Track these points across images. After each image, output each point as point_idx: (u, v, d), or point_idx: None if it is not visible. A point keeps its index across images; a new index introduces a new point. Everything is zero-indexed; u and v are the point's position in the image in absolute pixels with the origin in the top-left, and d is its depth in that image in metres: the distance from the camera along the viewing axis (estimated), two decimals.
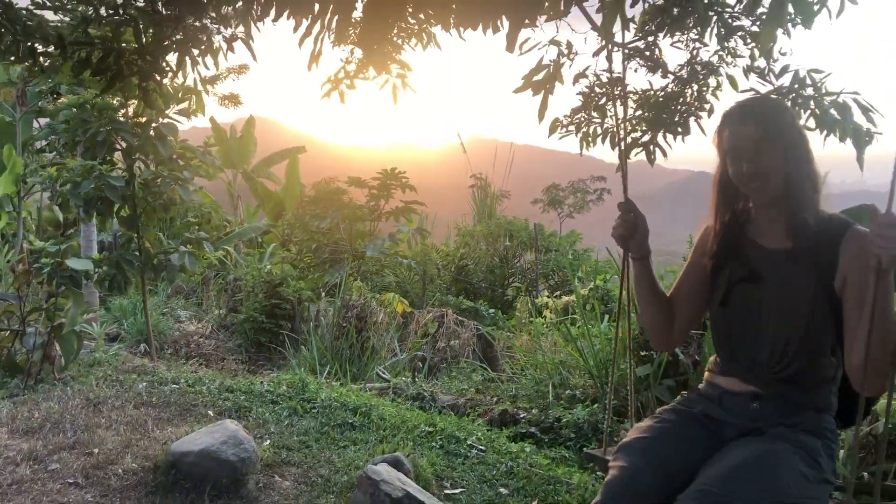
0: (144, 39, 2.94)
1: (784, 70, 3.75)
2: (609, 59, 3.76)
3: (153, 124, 6.32)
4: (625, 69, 3.43)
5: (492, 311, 9.98)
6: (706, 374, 2.25)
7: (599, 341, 5.09)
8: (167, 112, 6.48)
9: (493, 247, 15.72)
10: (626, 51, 3.86)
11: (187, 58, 2.97)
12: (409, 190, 10.59)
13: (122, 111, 6.31)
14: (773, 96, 3.57)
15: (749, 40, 3.98)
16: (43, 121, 10.21)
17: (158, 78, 3.08)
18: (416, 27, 3.74)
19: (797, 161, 1.99)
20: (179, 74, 3.17)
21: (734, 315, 2.11)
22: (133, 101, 6.51)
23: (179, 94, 6.62)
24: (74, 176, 5.99)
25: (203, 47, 2.91)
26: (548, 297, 11.03)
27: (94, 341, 7.50)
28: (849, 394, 2.04)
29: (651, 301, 2.24)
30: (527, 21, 2.56)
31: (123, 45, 2.97)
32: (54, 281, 5.69)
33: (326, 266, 10.55)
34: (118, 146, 6.33)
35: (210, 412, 4.34)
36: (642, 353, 4.79)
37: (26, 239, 9.55)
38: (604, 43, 3.47)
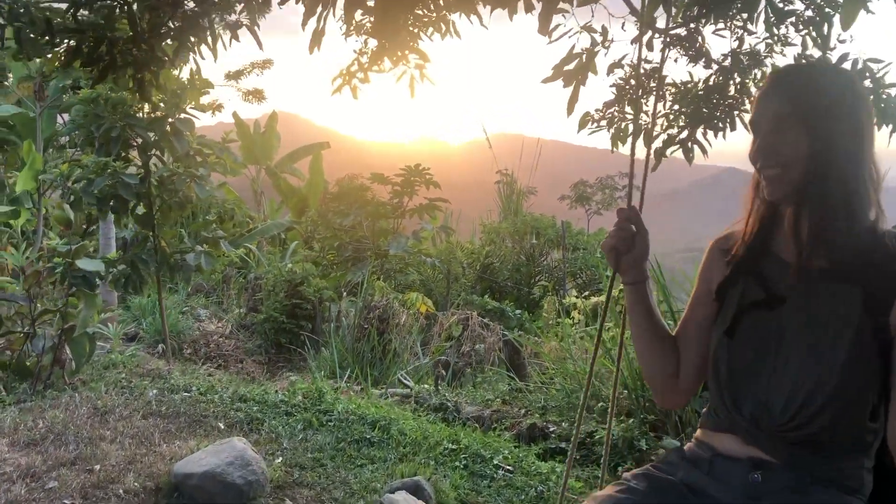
0: (139, 27, 2.69)
1: (843, 59, 3.41)
2: (649, 47, 3.44)
3: (169, 120, 6.12)
4: (664, 59, 3.10)
5: (518, 312, 9.69)
6: (698, 429, 1.69)
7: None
8: (184, 107, 6.28)
9: (520, 244, 15.41)
10: (667, 38, 3.53)
11: (187, 46, 2.71)
12: (432, 187, 10.33)
13: (138, 106, 6.13)
14: (827, 65, 3.11)
15: (802, 26, 3.64)
16: (67, 116, 10.11)
17: (154, 69, 2.83)
18: (435, 14, 3.46)
19: (840, 150, 1.46)
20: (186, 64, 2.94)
21: (741, 349, 1.54)
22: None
23: (196, 88, 6.43)
24: (88, 173, 5.81)
25: (203, 35, 2.65)
26: (576, 297, 10.71)
27: (109, 342, 7.35)
28: (889, 474, 1.54)
29: (647, 342, 1.72)
30: (562, 2, 2.27)
31: (116, 32, 2.73)
32: (66, 282, 5.52)
33: (349, 264, 10.33)
34: (133, 142, 6.15)
35: (221, 424, 4.11)
36: None
37: (46, 236, 9.46)
38: (643, 29, 3.16)
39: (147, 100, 3.23)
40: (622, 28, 3.41)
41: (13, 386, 5.01)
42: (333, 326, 8.25)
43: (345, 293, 10.19)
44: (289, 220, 14.86)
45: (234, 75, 18.84)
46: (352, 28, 3.49)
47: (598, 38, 3.42)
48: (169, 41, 2.91)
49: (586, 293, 10.40)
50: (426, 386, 5.75)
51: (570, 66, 3.37)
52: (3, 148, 11.48)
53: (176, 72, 5.58)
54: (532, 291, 14.26)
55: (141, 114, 6.16)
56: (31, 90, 9.05)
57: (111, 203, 6.04)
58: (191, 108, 6.31)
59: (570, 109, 3.42)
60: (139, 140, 6.10)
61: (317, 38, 2.63)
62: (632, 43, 3.36)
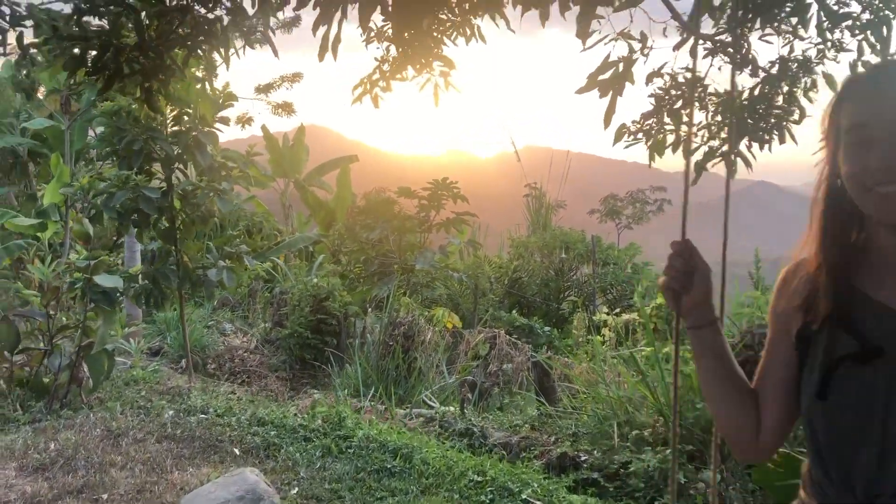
0: (147, 34, 2.53)
1: None
2: (692, 53, 3.21)
3: (192, 133, 6.02)
4: (709, 66, 2.87)
5: (547, 329, 9.42)
6: (801, 490, 1.41)
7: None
8: (209, 119, 6.18)
9: (549, 259, 15.14)
10: (711, 45, 3.30)
11: (197, 54, 2.55)
12: (460, 201, 10.13)
13: (161, 119, 6.04)
14: None
15: (858, 31, 3.38)
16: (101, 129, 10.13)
17: (163, 77, 2.67)
18: (459, 18, 3.27)
19: None
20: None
21: (839, 414, 1.27)
22: (173, 108, 6.26)
23: (220, 101, 6.33)
24: (109, 187, 5.71)
25: (214, 42, 2.48)
26: (607, 313, 10.42)
27: (132, 357, 7.26)
28: None
29: (720, 394, 1.45)
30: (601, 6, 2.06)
31: (123, 40, 2.57)
32: (86, 298, 5.42)
33: (375, 279, 10.16)
34: (155, 155, 6.05)
35: (236, 450, 3.93)
36: None
37: (73, 249, 9.44)
38: (687, 36, 2.94)
39: (155, 110, 3.07)
40: (663, 34, 3.18)
41: (29, 404, 4.90)
42: (358, 343, 8.07)
43: (370, 308, 10.03)
44: (316, 233, 14.78)
45: (264, 89, 18.90)
46: (372, 35, 3.32)
47: (636, 45, 3.21)
48: (178, 49, 2.76)
49: (617, 310, 10.12)
50: (451, 408, 5.53)
51: (606, 76, 3.15)
52: (37, 161, 11.56)
53: (199, 85, 5.46)
54: (561, 307, 13.98)
55: (164, 127, 6.08)
56: (59, 103, 9.07)
57: (133, 217, 5.94)
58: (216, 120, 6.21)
59: (607, 122, 3.20)
60: (162, 153, 6.01)
61: (326, 46, 2.45)
62: (674, 50, 3.14)
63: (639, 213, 19.67)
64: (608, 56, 3.16)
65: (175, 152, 6.06)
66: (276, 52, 2.99)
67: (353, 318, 8.57)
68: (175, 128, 6.15)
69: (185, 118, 6.07)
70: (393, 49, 3.34)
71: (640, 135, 3.32)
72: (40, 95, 10.47)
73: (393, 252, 10.16)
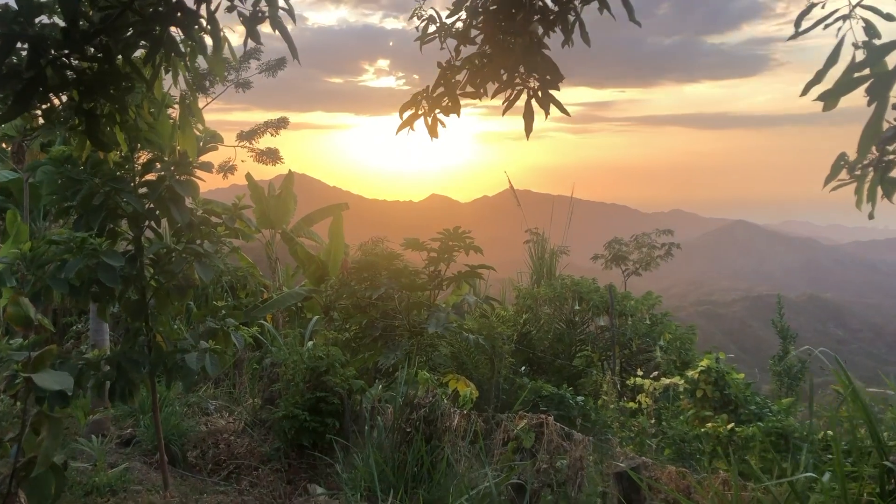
0: (87, 18, 1.38)
1: None
2: None
3: (165, 183, 4.84)
4: None
5: (580, 398, 8.19)
6: None
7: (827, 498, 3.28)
8: (185, 163, 5.02)
9: (560, 311, 13.98)
10: None
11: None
12: (473, 252, 8.99)
13: (126, 166, 4.87)
14: None
15: None
16: None
17: (114, 91, 1.50)
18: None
19: None
20: None
21: None
22: (142, 153, 5.11)
23: (202, 143, 5.19)
24: (60, 252, 4.50)
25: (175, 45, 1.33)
26: (641, 376, 9.23)
27: (94, 458, 5.96)
28: None
29: None
30: None
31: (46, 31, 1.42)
32: (28, 400, 4.17)
33: (379, 344, 8.92)
34: (121, 212, 4.87)
35: None
36: None
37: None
38: None
39: (102, 147, 1.95)
40: None
41: None
42: (368, 427, 6.81)
43: (376, 379, 8.77)
44: (306, 288, 13.53)
45: (248, 135, 17.84)
46: (434, 29, 2.20)
47: None
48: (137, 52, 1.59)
49: (653, 373, 8.92)
50: None
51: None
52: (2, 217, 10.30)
53: (172, 114, 4.32)
54: (573, 365, 12.81)
55: (132, 175, 4.90)
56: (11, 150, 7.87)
57: (92, 289, 4.72)
58: (196, 165, 5.04)
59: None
60: (129, 208, 4.82)
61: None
62: None
63: (646, 259, 18.62)
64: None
65: (146, 206, 4.88)
66: (295, 55, 1.84)
67: (358, 396, 7.32)
68: (148, 177, 4.99)
69: (159, 164, 4.91)
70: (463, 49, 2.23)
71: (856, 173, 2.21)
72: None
73: (399, 312, 8.95)
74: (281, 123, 18.27)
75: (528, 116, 2.29)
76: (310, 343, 9.25)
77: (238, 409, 8.74)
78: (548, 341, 13.24)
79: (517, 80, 2.18)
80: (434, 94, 2.26)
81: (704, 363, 8.21)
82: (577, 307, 13.61)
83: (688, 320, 14.42)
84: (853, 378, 4.06)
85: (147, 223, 4.94)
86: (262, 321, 10.77)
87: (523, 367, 12.25)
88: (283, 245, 16.67)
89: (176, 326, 5.14)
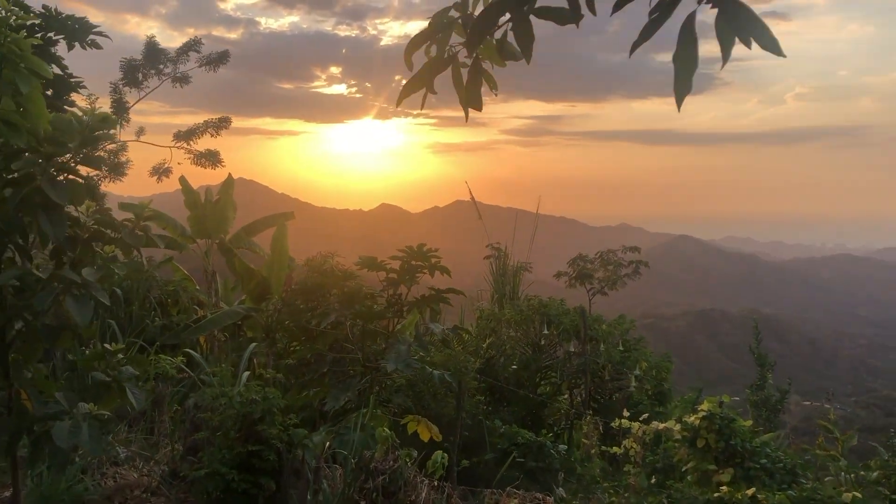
0: None
1: None
2: None
3: (35, 182, 3.46)
4: None
5: (563, 447, 6.99)
6: None
7: None
8: (74, 156, 3.65)
9: (526, 334, 12.83)
10: None
11: None
12: (440, 273, 7.71)
13: None
14: None
15: None
16: None
17: None
18: None
19: None
20: None
21: None
22: None
23: (88, 129, 3.80)
24: None
25: None
26: (628, 418, 8.06)
27: None
28: None
29: None
30: None
31: None
32: None
33: (326, 380, 7.56)
34: None
35: None
36: None
37: None
38: None
39: None
40: None
41: None
42: (311, 491, 5.47)
43: (323, 420, 7.41)
44: (245, 306, 12.04)
45: (185, 135, 16.21)
46: None
47: None
48: None
49: (644, 416, 7.75)
50: None
51: None
52: None
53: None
54: (538, 394, 11.69)
55: None
56: None
57: None
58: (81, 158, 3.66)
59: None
60: None
61: None
62: None
63: (612, 277, 17.58)
64: None
65: (6, 216, 3.48)
66: None
67: (299, 451, 5.96)
68: (10, 175, 3.59)
69: (27, 154, 3.52)
70: None
71: None
72: None
73: (352, 342, 7.62)
74: (222, 123, 16.65)
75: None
76: (245, 375, 7.86)
77: (156, 457, 7.26)
78: (512, 368, 12.06)
79: None
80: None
81: (706, 407, 7.10)
82: (545, 331, 12.47)
83: (634, 334, 13.53)
84: None
85: (6, 241, 3.54)
86: (190, 350, 9.26)
87: (484, 397, 11.08)
88: (221, 257, 15.11)
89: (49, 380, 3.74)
